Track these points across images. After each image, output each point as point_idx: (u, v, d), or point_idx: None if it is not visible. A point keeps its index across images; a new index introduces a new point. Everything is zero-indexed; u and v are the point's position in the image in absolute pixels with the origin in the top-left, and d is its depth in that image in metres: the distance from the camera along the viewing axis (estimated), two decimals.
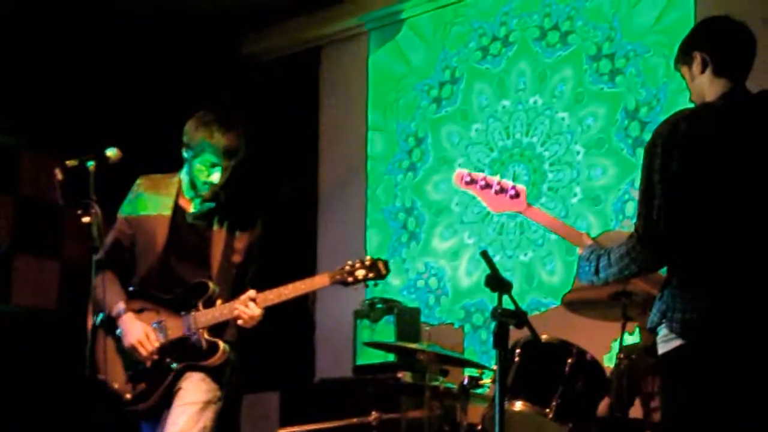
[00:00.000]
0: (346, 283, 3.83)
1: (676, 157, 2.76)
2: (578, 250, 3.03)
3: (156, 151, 6.56)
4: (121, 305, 3.84)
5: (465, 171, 3.25)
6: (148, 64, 6.92)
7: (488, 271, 3.01)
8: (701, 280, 2.74)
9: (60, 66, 6.59)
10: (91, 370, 3.77)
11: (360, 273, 3.80)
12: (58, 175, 3.49)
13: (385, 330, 5.83)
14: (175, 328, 3.82)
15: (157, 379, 3.80)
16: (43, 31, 6.52)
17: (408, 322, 5.82)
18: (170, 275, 3.88)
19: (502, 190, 3.17)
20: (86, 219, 3.46)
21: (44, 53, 6.53)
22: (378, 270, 3.83)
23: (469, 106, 6.55)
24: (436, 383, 4.53)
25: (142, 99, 6.87)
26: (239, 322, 3.79)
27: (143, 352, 3.77)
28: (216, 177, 3.86)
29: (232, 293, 3.87)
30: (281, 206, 7.15)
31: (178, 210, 3.94)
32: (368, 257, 3.87)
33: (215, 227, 3.93)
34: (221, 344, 3.81)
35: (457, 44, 6.67)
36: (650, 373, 4.71)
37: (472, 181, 3.21)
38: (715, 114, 2.84)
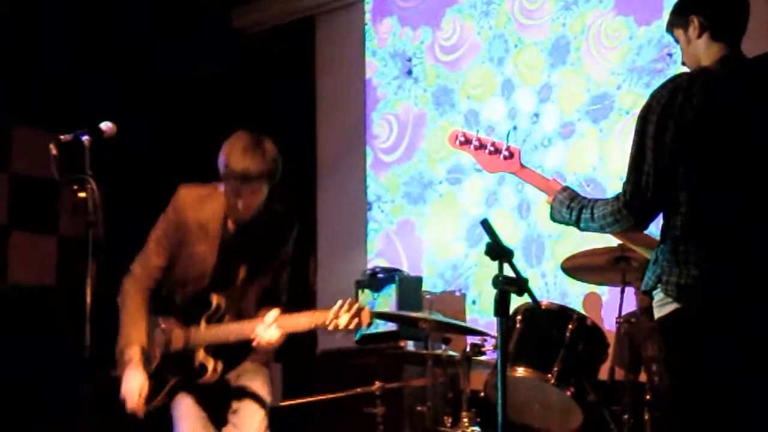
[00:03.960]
0: (326, 328, 3.55)
1: (671, 127, 2.75)
2: (547, 198, 3.05)
3: (150, 126, 6.61)
4: (135, 351, 3.65)
5: (459, 131, 3.23)
6: (139, 39, 6.89)
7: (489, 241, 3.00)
8: (696, 245, 2.74)
9: (51, 39, 6.55)
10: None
11: (343, 320, 3.50)
12: (53, 150, 3.45)
13: (388, 299, 5.83)
14: (178, 340, 3.68)
15: (156, 388, 3.68)
16: (33, 4, 6.48)
17: (410, 290, 5.82)
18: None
19: (496, 151, 3.15)
20: (82, 194, 3.43)
21: (34, 26, 6.49)
22: (360, 320, 3.51)
23: (468, 73, 6.52)
24: (439, 351, 4.54)
25: (135, 74, 6.84)
26: (253, 344, 3.62)
27: (129, 405, 3.61)
28: (241, 205, 3.62)
29: (258, 305, 3.72)
30: (278, 181, 7.12)
31: (224, 226, 3.73)
32: (357, 304, 3.54)
33: (251, 244, 3.74)
34: (209, 367, 3.66)
35: (458, 7, 6.63)
36: (649, 337, 4.73)
37: (466, 141, 3.19)
38: (713, 81, 2.82)
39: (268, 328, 3.56)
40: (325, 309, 3.54)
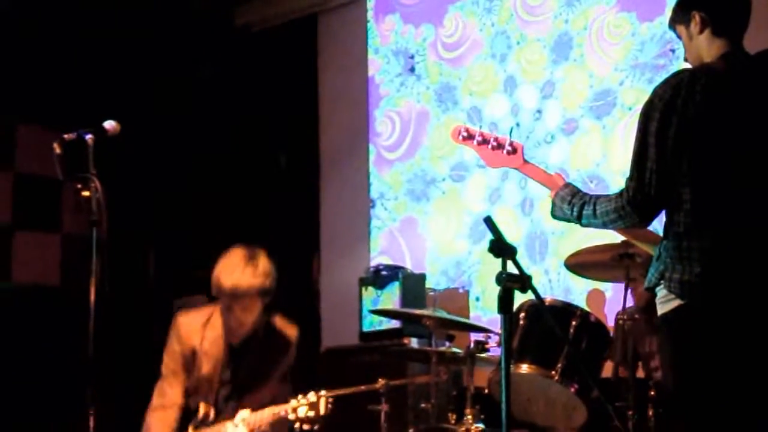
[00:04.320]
0: (287, 418, 3.64)
1: (674, 123, 2.74)
2: (550, 194, 3.05)
3: (154, 125, 6.60)
4: None
5: (463, 126, 3.22)
6: (142, 37, 6.89)
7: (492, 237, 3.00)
8: (699, 241, 2.74)
9: (54, 38, 6.55)
10: None
11: (301, 411, 3.58)
12: (57, 148, 3.46)
13: (391, 296, 5.83)
14: None
15: None
16: (36, 3, 6.48)
17: (413, 288, 5.82)
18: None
19: (499, 146, 3.14)
20: (86, 193, 3.43)
21: (38, 25, 6.50)
22: (317, 409, 3.60)
23: (470, 69, 6.51)
24: (443, 348, 4.54)
25: (138, 72, 6.84)
26: None
27: None
28: (233, 321, 3.67)
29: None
30: (281, 179, 7.15)
31: (225, 347, 3.77)
32: (313, 394, 3.63)
33: (251, 361, 3.81)
34: None
35: (460, 4, 6.63)
36: (647, 333, 4.73)
37: (469, 137, 3.18)
38: (716, 77, 2.81)
39: (236, 428, 3.63)
40: (287, 402, 3.64)
